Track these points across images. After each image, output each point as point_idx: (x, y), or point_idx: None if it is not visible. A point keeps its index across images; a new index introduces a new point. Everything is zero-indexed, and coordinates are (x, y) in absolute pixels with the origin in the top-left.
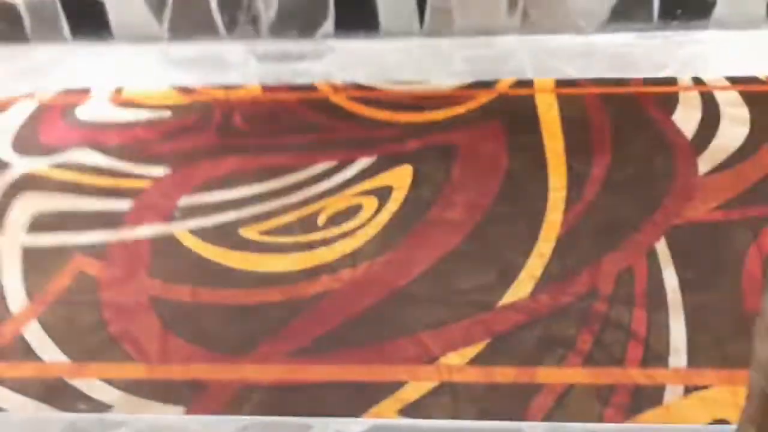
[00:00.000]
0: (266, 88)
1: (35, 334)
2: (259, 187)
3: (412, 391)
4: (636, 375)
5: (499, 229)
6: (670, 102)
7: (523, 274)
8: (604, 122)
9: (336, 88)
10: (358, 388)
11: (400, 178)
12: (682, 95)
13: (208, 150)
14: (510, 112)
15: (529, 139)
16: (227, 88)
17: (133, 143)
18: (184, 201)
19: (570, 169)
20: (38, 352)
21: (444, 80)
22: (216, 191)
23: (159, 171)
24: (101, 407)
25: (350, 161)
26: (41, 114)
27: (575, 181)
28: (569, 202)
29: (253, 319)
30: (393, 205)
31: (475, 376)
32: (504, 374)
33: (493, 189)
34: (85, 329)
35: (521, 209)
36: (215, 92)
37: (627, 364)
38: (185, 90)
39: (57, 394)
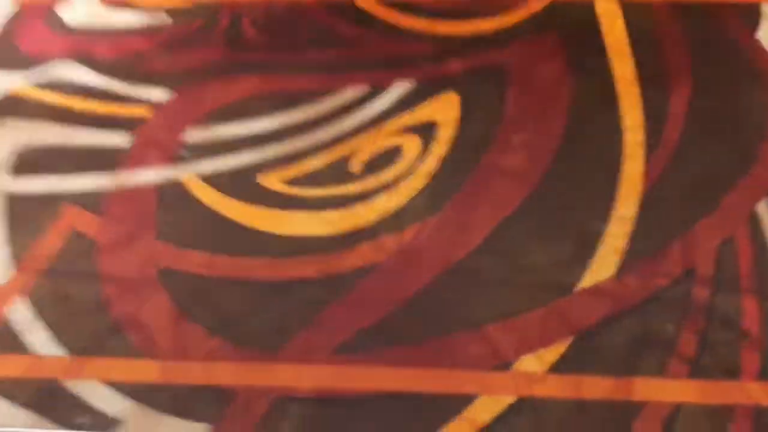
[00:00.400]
0: None
1: (23, 317)
2: (279, 118)
3: (483, 410)
4: (755, 391)
5: (569, 181)
6: (750, 15)
7: (604, 246)
8: (678, 39)
9: None
10: (418, 403)
11: (445, 109)
12: (765, 7)
13: (216, 68)
14: (568, 25)
15: (593, 60)
16: None
17: (128, 57)
18: (192, 136)
19: (645, 101)
20: (27, 341)
21: None
22: (228, 123)
23: (160, 95)
24: (107, 423)
25: (384, 86)
26: (20, 16)
27: (653, 118)
28: (649, 146)
29: (284, 300)
30: (440, 148)
31: (560, 389)
32: (594, 387)
33: (557, 128)
34: (82, 311)
35: (592, 155)
36: None
37: (742, 375)
38: None
39: (52, 401)
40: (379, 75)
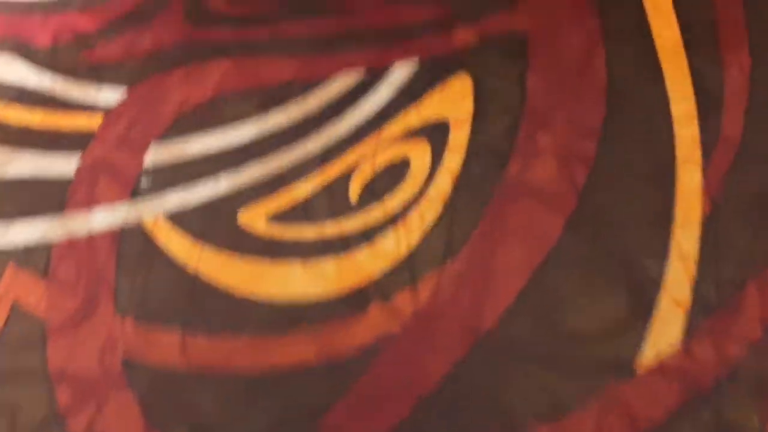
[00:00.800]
0: None
1: None
2: (258, 123)
3: None
4: None
5: (613, 201)
6: None
7: (665, 299)
8: None
9: None
10: None
11: (457, 100)
12: None
13: (177, 52)
14: None
15: (627, 17)
16: None
17: (69, 42)
18: (153, 156)
19: (695, 75)
20: None
21: None
22: (196, 134)
23: (111, 95)
24: None
25: (382, 69)
26: None
27: (706, 101)
28: (705, 144)
29: (276, 401)
30: (453, 159)
31: None
32: None
33: (594, 122)
34: (34, 427)
35: (639, 161)
36: None
37: None
38: None
39: None
40: (375, 53)
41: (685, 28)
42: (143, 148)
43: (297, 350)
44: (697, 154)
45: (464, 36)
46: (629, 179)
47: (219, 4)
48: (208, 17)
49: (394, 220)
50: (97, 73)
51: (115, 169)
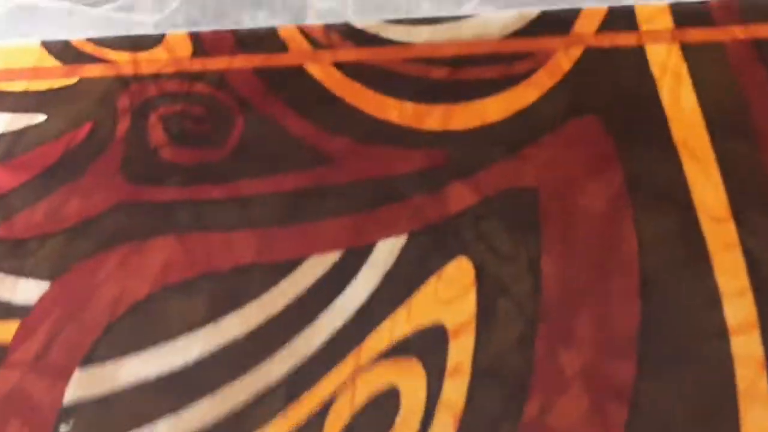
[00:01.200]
0: (198, 47)
1: None
2: (206, 334)
3: None
4: None
5: None
6: None
7: None
8: None
9: (316, 44)
10: None
11: (456, 296)
12: None
13: (111, 221)
14: (611, 99)
15: (658, 173)
16: (135, 47)
17: None
18: (76, 388)
19: (750, 259)
20: None
21: (481, 11)
22: (129, 354)
23: (31, 290)
24: None
25: (363, 248)
26: None
27: (762, 292)
28: None
29: None
30: (455, 389)
31: None
32: None
33: (628, 329)
34: None
35: (689, 396)
36: (117, 59)
37: None
38: (65, 55)
39: None
40: (355, 222)
41: (733, 188)
42: (65, 375)
43: None
44: (762, 385)
45: (460, 194)
46: (680, 426)
47: (163, 150)
48: (150, 168)
49: None
50: (14, 259)
51: (30, 407)
